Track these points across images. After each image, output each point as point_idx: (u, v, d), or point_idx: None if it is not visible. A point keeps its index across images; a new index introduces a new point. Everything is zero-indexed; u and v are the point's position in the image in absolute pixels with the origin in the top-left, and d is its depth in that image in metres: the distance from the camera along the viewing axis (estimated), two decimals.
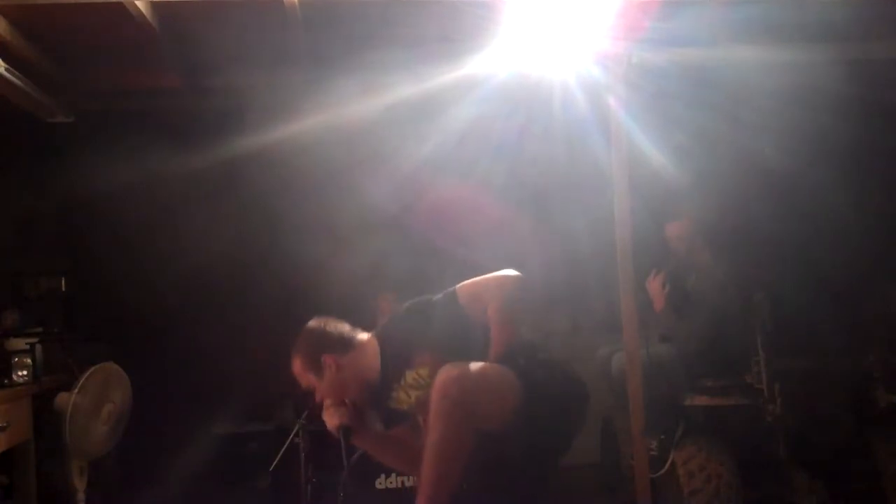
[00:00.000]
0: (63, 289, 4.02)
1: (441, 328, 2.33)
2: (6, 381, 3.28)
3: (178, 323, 4.15)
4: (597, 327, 4.31)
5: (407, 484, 3.25)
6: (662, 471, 3.33)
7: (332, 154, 3.75)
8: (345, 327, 2.51)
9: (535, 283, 2.39)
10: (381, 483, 3.27)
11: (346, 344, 2.46)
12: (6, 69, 3.10)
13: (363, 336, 2.51)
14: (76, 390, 3.09)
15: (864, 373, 3.38)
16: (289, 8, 2.98)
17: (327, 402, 2.47)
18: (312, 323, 2.51)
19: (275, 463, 3.53)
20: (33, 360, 3.37)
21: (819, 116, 3.57)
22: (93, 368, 3.20)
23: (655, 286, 3.59)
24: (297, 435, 3.48)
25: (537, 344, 2.50)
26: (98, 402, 3.20)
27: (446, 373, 2.17)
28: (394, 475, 3.29)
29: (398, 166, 3.85)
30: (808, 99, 3.49)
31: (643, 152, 3.36)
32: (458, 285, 2.36)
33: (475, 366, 2.25)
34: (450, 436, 2.14)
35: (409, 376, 2.41)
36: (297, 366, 2.48)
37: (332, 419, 2.44)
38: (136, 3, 2.86)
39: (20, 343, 3.49)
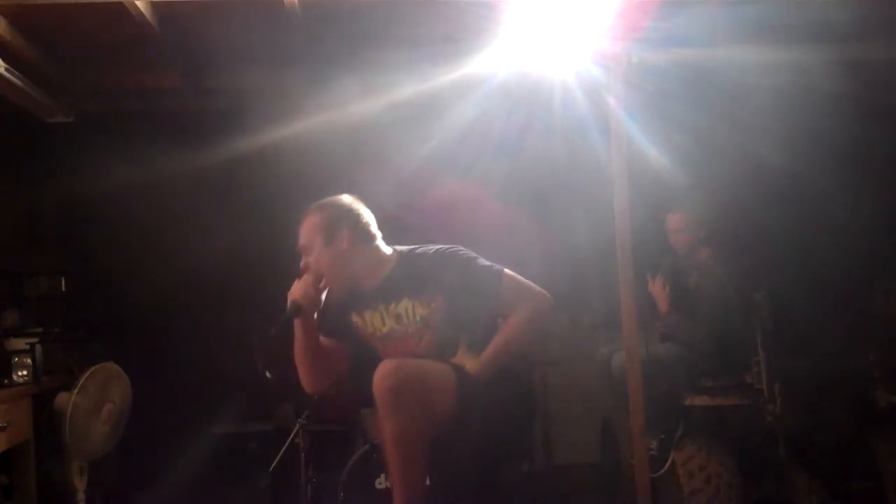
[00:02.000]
0: (63, 289, 4.02)
1: (472, 289, 2.28)
2: (6, 381, 3.28)
3: (178, 322, 4.15)
4: (597, 326, 4.30)
5: None
6: (662, 471, 3.33)
7: (332, 154, 3.75)
8: (373, 221, 2.44)
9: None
10: (380, 483, 3.26)
11: (369, 237, 2.40)
12: (6, 69, 3.10)
13: (384, 246, 2.43)
14: (76, 390, 3.10)
15: (864, 373, 3.38)
16: (289, 8, 2.98)
17: (309, 273, 2.34)
18: (348, 197, 2.44)
19: (275, 463, 3.53)
20: (33, 360, 3.37)
21: (818, 116, 3.57)
22: (93, 368, 3.20)
23: (657, 288, 3.60)
24: (297, 435, 3.48)
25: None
26: (98, 402, 3.21)
27: (382, 367, 2.16)
28: None
29: (399, 165, 3.86)
30: (807, 99, 3.49)
31: (643, 152, 3.36)
32: (504, 269, 2.33)
33: (411, 359, 2.25)
34: (401, 423, 2.12)
35: (403, 306, 2.36)
36: (312, 223, 2.39)
37: (297, 290, 2.32)
38: (136, 3, 2.86)
39: (20, 343, 3.49)
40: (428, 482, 2.27)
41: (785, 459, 3.18)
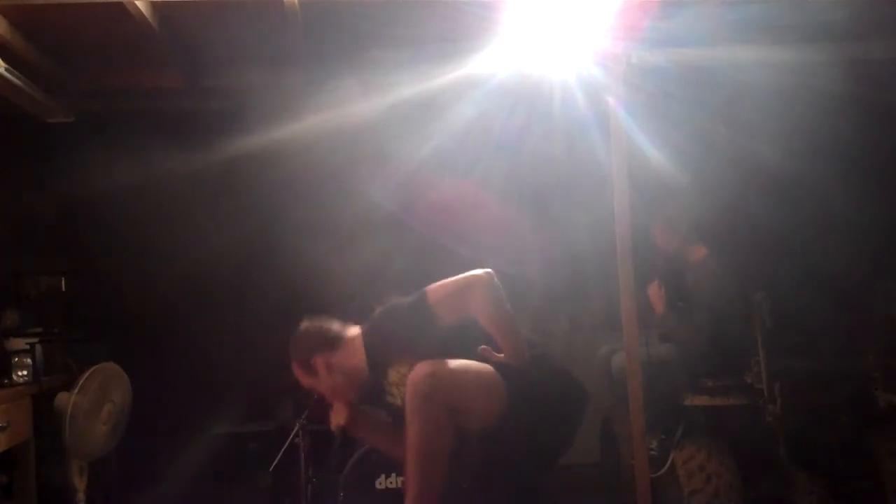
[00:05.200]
0: (63, 289, 4.02)
1: (413, 329, 2.32)
2: (6, 381, 3.28)
3: (178, 323, 4.15)
4: (597, 327, 4.30)
5: None
6: (662, 471, 3.33)
7: (332, 154, 3.75)
8: (333, 326, 2.51)
9: (504, 277, 2.37)
10: (381, 483, 3.26)
11: (333, 344, 2.47)
12: (6, 69, 3.10)
13: (352, 332, 2.50)
14: (76, 390, 3.10)
15: (864, 373, 3.38)
16: (289, 8, 2.98)
17: (334, 402, 2.50)
18: (303, 325, 2.53)
19: (275, 463, 3.53)
20: (33, 360, 3.37)
21: (818, 116, 3.57)
22: (93, 368, 3.20)
23: (653, 290, 3.61)
24: (297, 435, 3.48)
25: (535, 340, 2.50)
26: (98, 402, 3.21)
27: (417, 370, 2.18)
28: (394, 475, 3.29)
29: (399, 165, 3.86)
30: (807, 99, 3.49)
31: (642, 152, 3.36)
32: (428, 287, 2.34)
33: (450, 362, 2.24)
34: (426, 431, 2.13)
35: (392, 374, 2.43)
36: (295, 369, 2.51)
37: (332, 420, 2.49)
38: (136, 3, 2.86)
39: (20, 343, 3.49)
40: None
41: (785, 459, 3.18)
